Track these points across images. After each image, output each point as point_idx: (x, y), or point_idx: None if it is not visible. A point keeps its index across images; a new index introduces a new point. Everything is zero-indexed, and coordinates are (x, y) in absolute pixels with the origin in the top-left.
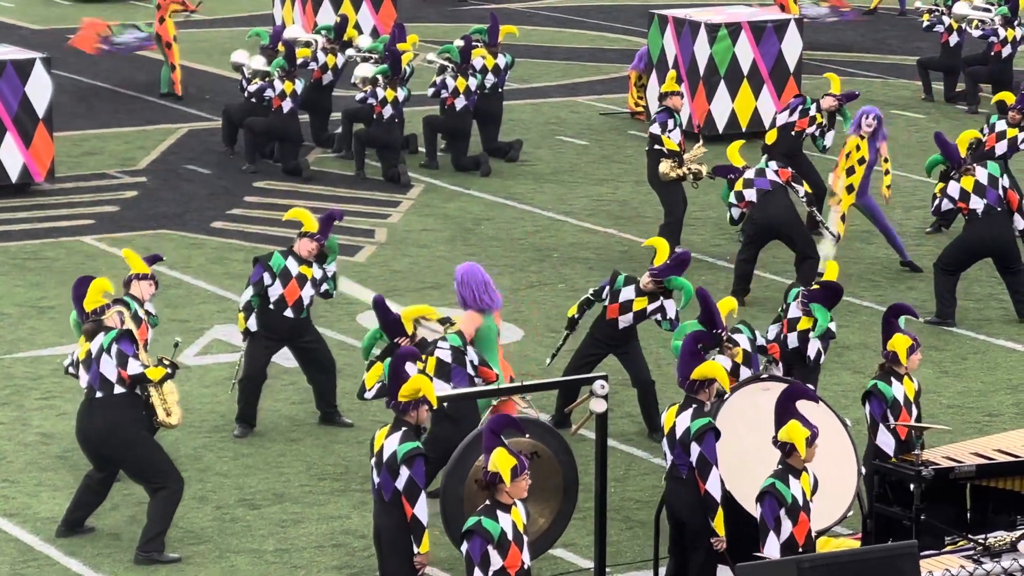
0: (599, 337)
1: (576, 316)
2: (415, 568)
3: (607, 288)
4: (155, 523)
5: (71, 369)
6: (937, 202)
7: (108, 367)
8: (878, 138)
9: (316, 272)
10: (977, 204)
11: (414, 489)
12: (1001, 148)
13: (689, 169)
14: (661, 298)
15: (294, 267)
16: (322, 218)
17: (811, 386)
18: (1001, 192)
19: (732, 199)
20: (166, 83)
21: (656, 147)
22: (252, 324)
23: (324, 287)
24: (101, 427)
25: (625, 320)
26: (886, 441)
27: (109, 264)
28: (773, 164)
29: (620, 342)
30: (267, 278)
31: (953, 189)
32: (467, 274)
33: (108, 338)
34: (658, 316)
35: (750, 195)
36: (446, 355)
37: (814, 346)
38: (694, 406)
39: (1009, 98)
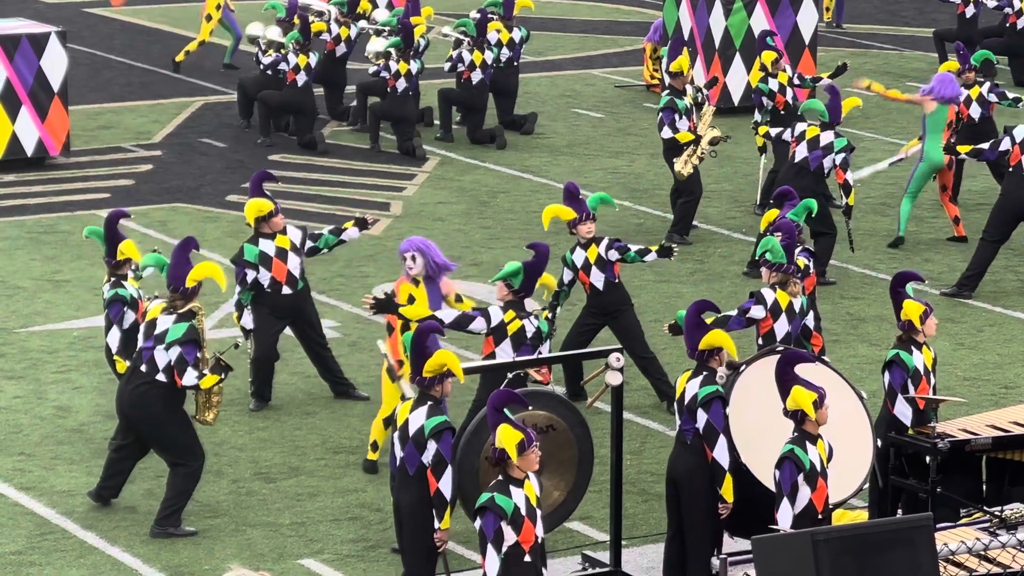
0: (590, 306)
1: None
2: (434, 543)
3: (564, 270)
4: (174, 499)
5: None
6: (1001, 138)
7: (162, 358)
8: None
9: (292, 236)
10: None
11: (441, 463)
12: (975, 111)
13: (704, 149)
14: (605, 239)
15: (269, 247)
16: (253, 181)
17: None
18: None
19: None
20: (230, 53)
21: (670, 146)
22: (247, 322)
23: (308, 244)
24: (136, 400)
25: (596, 278)
26: (903, 411)
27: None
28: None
29: (610, 308)
30: (250, 272)
31: (1020, 132)
32: (423, 243)
33: (177, 332)
34: (615, 254)
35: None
36: (531, 331)
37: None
38: (704, 373)
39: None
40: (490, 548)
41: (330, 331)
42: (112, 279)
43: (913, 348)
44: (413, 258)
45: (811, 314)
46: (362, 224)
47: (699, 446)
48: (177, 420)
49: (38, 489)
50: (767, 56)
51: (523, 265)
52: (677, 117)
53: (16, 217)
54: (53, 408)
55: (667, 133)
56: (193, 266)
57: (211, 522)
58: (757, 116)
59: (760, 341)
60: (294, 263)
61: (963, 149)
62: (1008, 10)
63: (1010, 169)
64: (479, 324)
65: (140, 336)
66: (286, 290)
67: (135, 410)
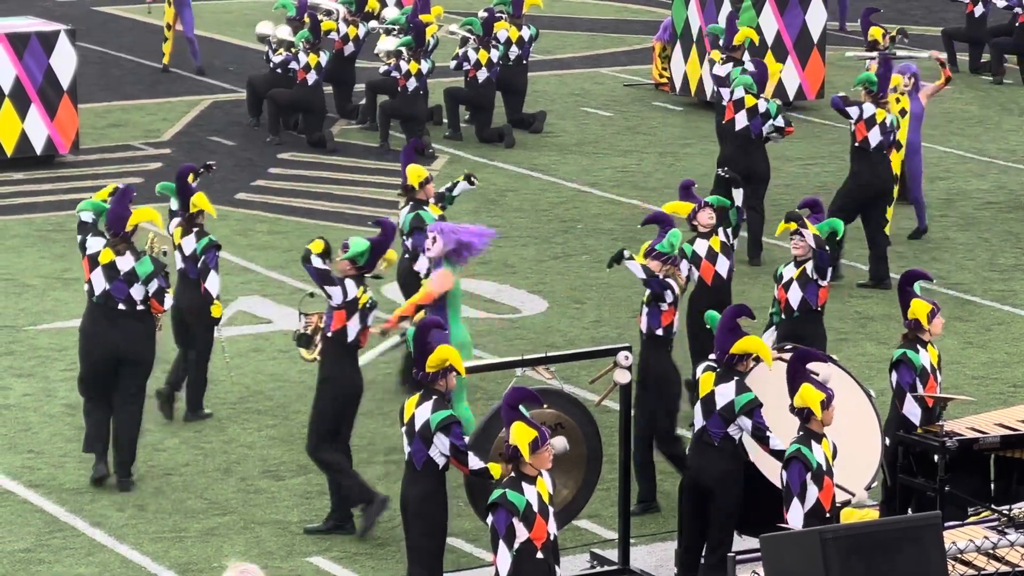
0: (704, 298)
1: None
2: (441, 538)
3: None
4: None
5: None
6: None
7: (139, 292)
8: (919, 93)
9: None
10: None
11: (460, 452)
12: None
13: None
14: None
15: (429, 215)
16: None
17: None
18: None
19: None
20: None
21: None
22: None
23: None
24: (132, 336)
25: (721, 265)
26: (912, 411)
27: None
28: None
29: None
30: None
31: (869, 109)
32: (446, 226)
33: (145, 267)
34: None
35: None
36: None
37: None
38: (736, 378)
39: None
40: (502, 544)
41: None
42: (194, 230)
43: (919, 347)
44: (434, 239)
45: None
46: (469, 179)
47: (730, 448)
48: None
49: (47, 487)
50: (876, 32)
51: (370, 242)
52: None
53: (25, 215)
54: (62, 406)
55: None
56: (131, 212)
57: (219, 520)
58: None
59: (660, 332)
60: None
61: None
62: (1017, 9)
63: (856, 145)
64: (337, 292)
65: (101, 279)
66: None
67: (132, 345)
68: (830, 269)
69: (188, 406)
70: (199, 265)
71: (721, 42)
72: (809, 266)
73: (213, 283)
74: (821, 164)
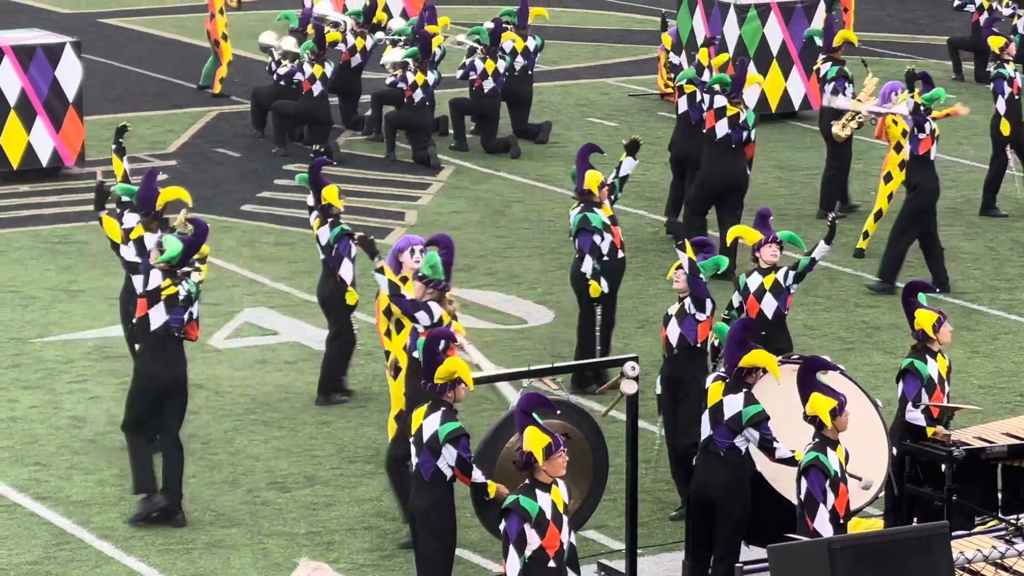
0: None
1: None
2: (449, 549)
3: (733, 294)
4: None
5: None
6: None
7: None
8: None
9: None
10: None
11: (465, 465)
12: None
13: (864, 116)
14: (784, 268)
15: (603, 216)
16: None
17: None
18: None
19: None
20: (207, 77)
21: (830, 112)
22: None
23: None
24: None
25: (768, 305)
26: (916, 420)
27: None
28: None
29: (772, 341)
30: (596, 238)
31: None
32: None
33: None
34: (792, 278)
35: None
36: (183, 295)
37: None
38: (744, 391)
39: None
40: (512, 550)
41: None
42: (329, 221)
43: (928, 357)
44: (423, 251)
45: None
46: (632, 148)
47: (735, 459)
48: None
49: (54, 499)
50: (995, 41)
51: (183, 242)
52: (847, 84)
53: (31, 227)
54: (69, 418)
55: (836, 101)
56: (160, 192)
57: (227, 531)
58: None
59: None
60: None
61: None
62: (970, 7)
63: (703, 132)
64: (155, 278)
65: (131, 254)
66: (621, 254)
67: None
68: (709, 301)
69: (320, 391)
70: (332, 254)
71: (821, 43)
72: (687, 301)
73: (347, 270)
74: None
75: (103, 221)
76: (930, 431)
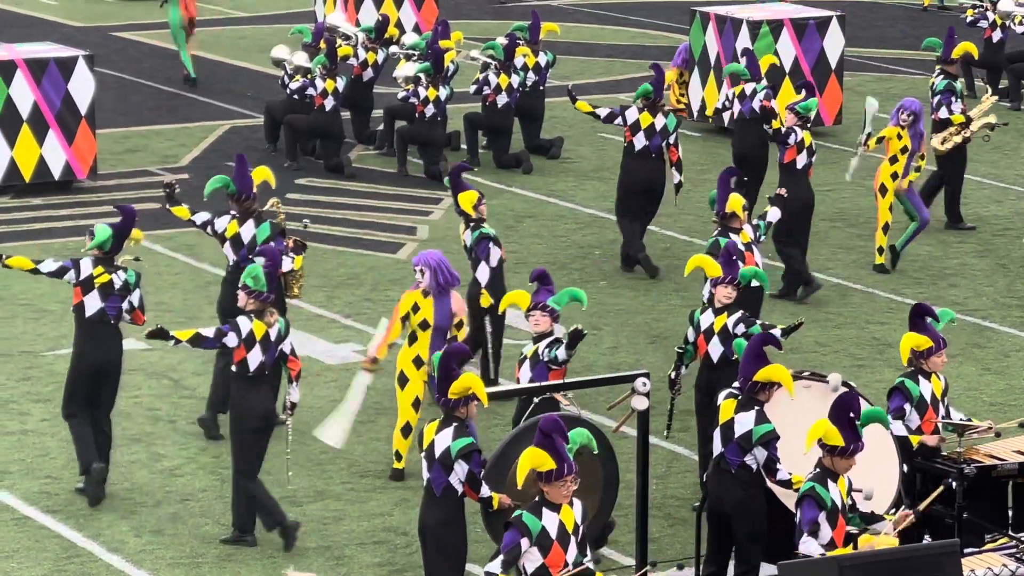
0: (699, 381)
1: (673, 375)
2: (460, 564)
3: (688, 329)
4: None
5: None
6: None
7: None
8: (918, 130)
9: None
10: None
11: (475, 481)
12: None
13: (973, 132)
14: (739, 313)
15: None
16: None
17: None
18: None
19: None
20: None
21: (942, 125)
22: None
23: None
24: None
25: (715, 349)
26: (899, 430)
27: (152, 261)
28: None
29: (716, 388)
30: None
31: (632, 114)
32: (434, 259)
33: (264, 232)
34: (742, 328)
35: None
36: (118, 284)
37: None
38: (756, 408)
39: None
40: (500, 558)
41: (356, 354)
42: (471, 224)
43: (920, 377)
44: (422, 272)
45: None
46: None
47: (747, 477)
48: None
49: (64, 512)
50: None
51: (111, 228)
52: (954, 99)
53: (43, 240)
54: None
55: (943, 113)
56: (250, 175)
57: (237, 546)
58: None
59: (234, 369)
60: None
61: (582, 107)
62: (983, 23)
63: (625, 145)
64: (86, 266)
65: (231, 253)
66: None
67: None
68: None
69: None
70: (471, 256)
71: (939, 54)
72: (542, 345)
73: (482, 273)
74: (838, 190)
75: (174, 211)
76: (914, 439)
